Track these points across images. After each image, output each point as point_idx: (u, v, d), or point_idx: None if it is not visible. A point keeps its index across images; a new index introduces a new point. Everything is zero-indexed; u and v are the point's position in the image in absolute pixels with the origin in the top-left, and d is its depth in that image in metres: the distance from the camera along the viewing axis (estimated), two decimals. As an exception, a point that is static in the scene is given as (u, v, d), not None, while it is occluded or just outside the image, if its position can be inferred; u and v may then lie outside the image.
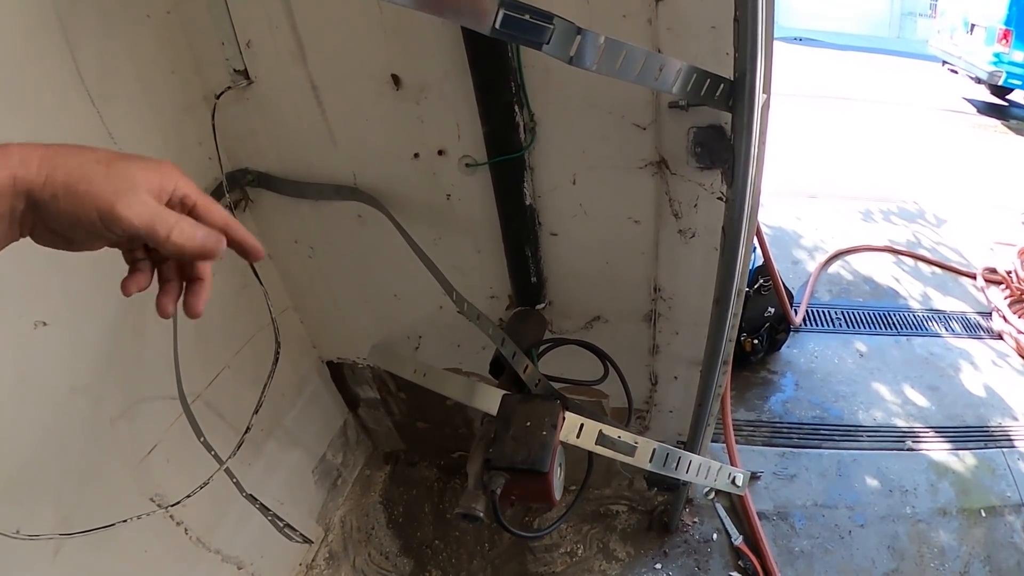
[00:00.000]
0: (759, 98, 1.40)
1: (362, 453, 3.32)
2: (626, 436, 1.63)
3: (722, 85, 1.40)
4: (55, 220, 0.65)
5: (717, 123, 1.67)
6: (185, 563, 2.18)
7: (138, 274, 0.77)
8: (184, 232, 0.68)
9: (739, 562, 2.77)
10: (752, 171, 1.48)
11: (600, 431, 1.62)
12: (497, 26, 1.20)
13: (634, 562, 2.83)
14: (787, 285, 3.82)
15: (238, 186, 2.17)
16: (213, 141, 2.03)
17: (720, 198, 1.75)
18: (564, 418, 1.62)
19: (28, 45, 1.53)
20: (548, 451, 1.53)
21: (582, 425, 1.63)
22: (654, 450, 1.65)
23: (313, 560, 2.89)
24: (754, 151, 1.46)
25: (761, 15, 1.30)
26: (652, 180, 1.82)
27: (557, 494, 1.60)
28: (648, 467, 1.65)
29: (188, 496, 1.86)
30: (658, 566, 2.81)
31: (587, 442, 1.62)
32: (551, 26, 1.21)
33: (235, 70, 1.95)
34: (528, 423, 1.59)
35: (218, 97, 1.98)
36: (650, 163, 1.79)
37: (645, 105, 1.71)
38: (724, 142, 1.65)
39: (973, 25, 8.78)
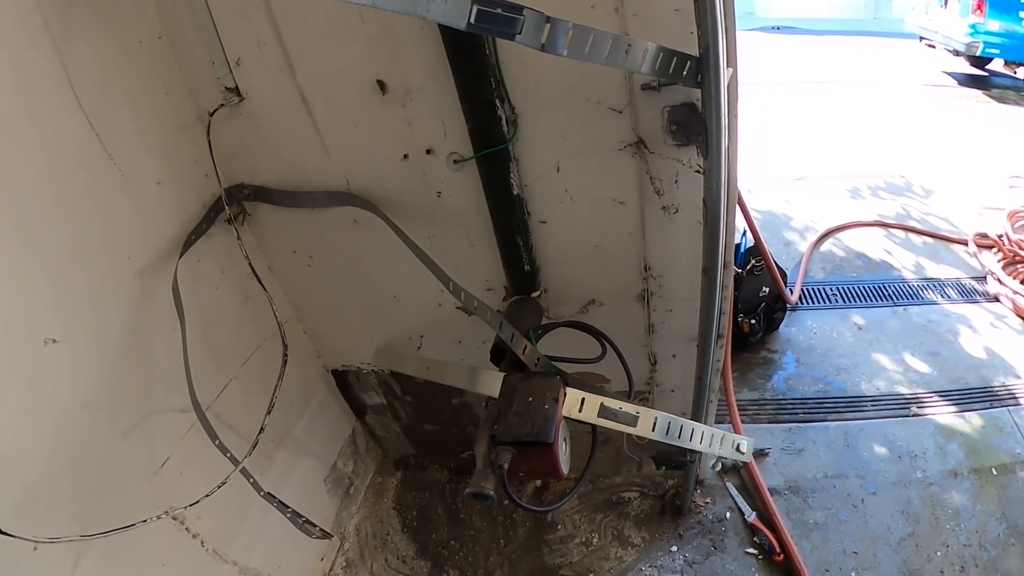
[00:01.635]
0: (724, 70, 1.46)
1: (372, 460, 3.36)
2: (627, 407, 1.68)
3: (689, 62, 1.46)
4: None
5: (689, 101, 1.73)
6: (203, 575, 2.22)
7: None
8: None
9: (754, 538, 2.81)
10: (725, 141, 1.55)
11: (602, 403, 1.67)
12: (472, 21, 1.27)
13: (650, 546, 2.87)
14: (780, 265, 3.86)
15: (236, 201, 2.22)
16: (210, 158, 2.09)
17: (698, 171, 1.81)
18: (565, 393, 1.67)
19: (25, 72, 1.59)
20: (552, 423, 1.58)
21: (584, 399, 1.68)
22: (656, 419, 1.70)
23: (331, 569, 2.93)
24: (725, 121, 1.52)
25: (718, -8, 1.37)
26: (632, 161, 1.88)
27: (564, 467, 1.65)
28: (651, 436, 1.70)
29: (206, 496, 1.88)
30: (674, 548, 2.84)
31: (590, 415, 1.67)
32: (521, 17, 1.28)
33: (227, 88, 2.02)
34: (530, 398, 1.64)
35: (212, 115, 2.04)
36: (629, 144, 1.86)
37: (619, 89, 1.77)
38: (697, 117, 1.71)
39: (947, -1, 8.85)
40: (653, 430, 1.70)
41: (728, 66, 1.52)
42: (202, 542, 2.18)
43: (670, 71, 1.45)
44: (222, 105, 2.04)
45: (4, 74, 1.55)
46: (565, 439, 1.67)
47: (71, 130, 1.72)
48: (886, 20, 13.18)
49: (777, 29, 12.82)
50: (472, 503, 1.59)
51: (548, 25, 1.29)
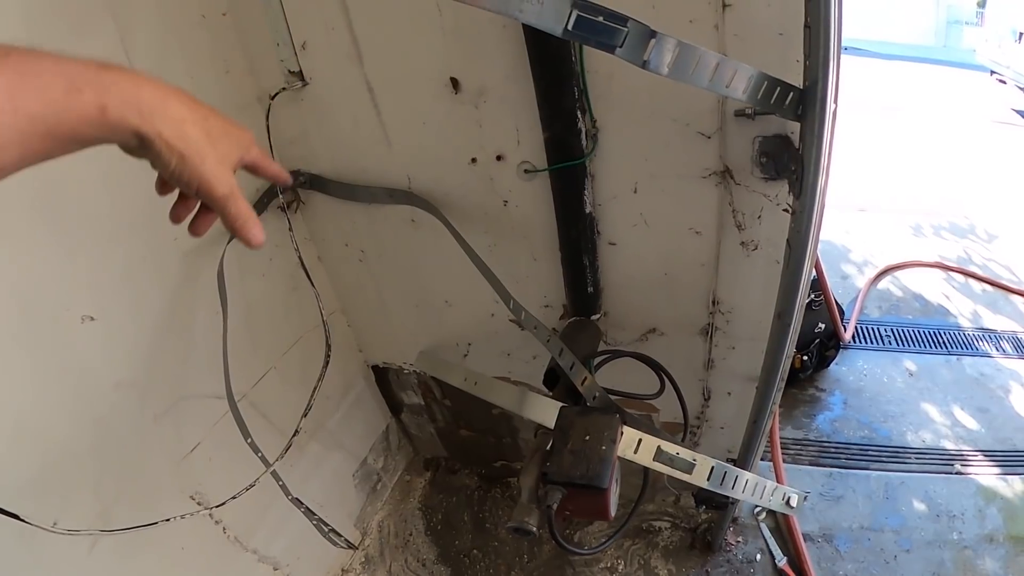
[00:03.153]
0: (831, 106, 1.35)
1: (403, 458, 3.31)
2: (684, 453, 1.59)
3: (792, 93, 1.35)
4: (157, 165, 0.72)
5: (783, 133, 1.62)
6: (221, 562, 2.19)
7: (187, 202, 0.86)
8: (240, 209, 0.78)
9: (782, 584, 2.69)
10: (821, 182, 1.44)
11: (659, 447, 1.57)
12: (569, 27, 1.16)
13: (675, 580, 2.77)
14: (837, 301, 3.73)
15: (290, 188, 2.16)
16: (267, 142, 2.03)
17: (786, 210, 1.70)
18: (622, 433, 1.58)
19: (80, 42, 1.53)
20: (608, 466, 1.49)
21: (640, 440, 1.59)
22: (712, 468, 1.60)
23: (349, 564, 2.88)
24: (824, 162, 1.41)
25: (833, 22, 1.26)
26: (715, 190, 1.77)
27: (613, 510, 1.56)
28: (705, 485, 1.60)
29: (233, 498, 1.85)
30: (699, 585, 2.74)
31: (645, 458, 1.58)
32: (625, 29, 1.17)
33: (290, 71, 1.95)
34: (587, 437, 1.54)
35: (272, 98, 1.97)
36: (714, 172, 1.75)
37: (710, 113, 1.66)
38: (790, 152, 1.60)
39: (1021, 34, 8.54)
40: (708, 479, 1.61)
41: (832, 102, 1.41)
42: (224, 529, 2.15)
43: (771, 101, 1.34)
44: (284, 88, 1.97)
45: (59, 41, 1.48)
46: (616, 480, 1.57)
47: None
48: (956, 50, 12.82)
49: (845, 50, 12.51)
50: (513, 536, 1.51)
51: (653, 40, 1.19)
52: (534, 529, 1.49)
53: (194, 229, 0.86)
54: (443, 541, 3.01)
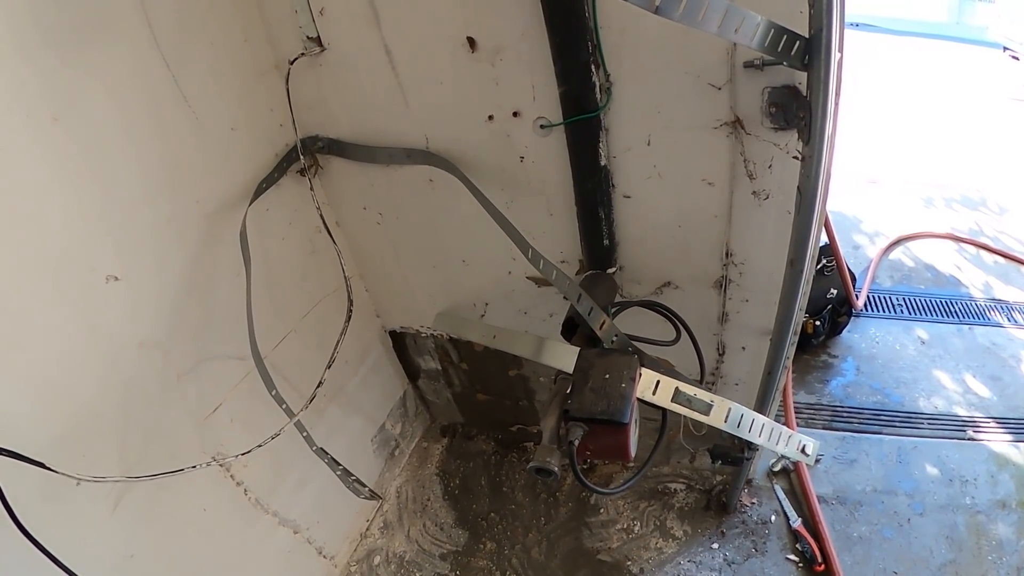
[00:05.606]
0: (835, 54, 1.38)
1: (420, 424, 3.36)
2: (702, 395, 1.62)
3: (798, 42, 1.37)
4: None
5: (791, 83, 1.64)
6: (242, 523, 2.24)
7: None
8: None
9: (797, 545, 2.73)
10: (829, 128, 1.46)
11: (677, 388, 1.61)
12: (585, -26, 1.20)
13: (691, 541, 2.82)
14: (850, 268, 3.73)
15: (308, 152, 2.20)
16: (287, 107, 2.07)
17: (796, 157, 1.72)
18: (641, 374, 1.61)
19: (104, 16, 1.57)
20: (628, 403, 1.53)
21: (658, 381, 1.62)
22: (729, 410, 1.63)
23: (368, 529, 2.95)
24: (831, 107, 1.44)
25: (837, -30, 1.29)
26: (727, 141, 1.80)
27: (633, 450, 1.59)
28: (723, 427, 1.64)
29: (259, 446, 1.88)
30: (715, 546, 2.79)
31: (663, 399, 1.62)
32: (638, -26, 1.20)
33: (308, 37, 1.99)
34: (607, 376, 1.58)
35: (291, 64, 2.01)
36: (725, 123, 1.77)
37: (720, 64, 1.69)
38: (799, 102, 1.62)
39: (1034, 9, 8.44)
40: (726, 421, 1.64)
41: (838, 51, 1.43)
42: (245, 491, 2.20)
43: (778, 49, 1.37)
44: (302, 54, 2.01)
45: (83, 11, 1.53)
46: (636, 421, 1.61)
47: (147, 69, 1.70)
48: (968, 27, 12.66)
49: (856, 26, 12.37)
50: (534, 478, 1.55)
51: (665, -14, 1.22)
52: (556, 468, 1.53)
53: None
54: (460, 505, 3.07)
